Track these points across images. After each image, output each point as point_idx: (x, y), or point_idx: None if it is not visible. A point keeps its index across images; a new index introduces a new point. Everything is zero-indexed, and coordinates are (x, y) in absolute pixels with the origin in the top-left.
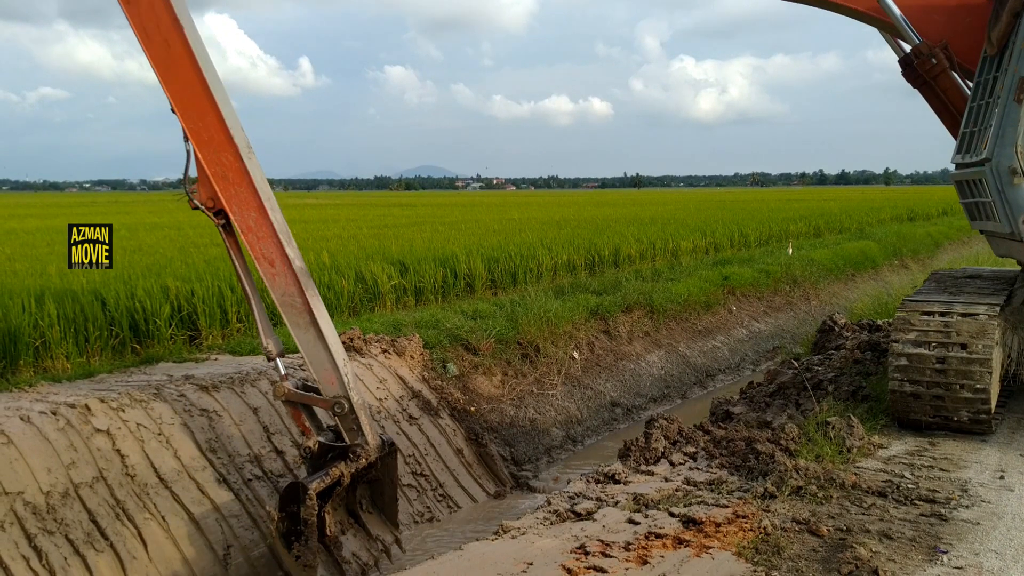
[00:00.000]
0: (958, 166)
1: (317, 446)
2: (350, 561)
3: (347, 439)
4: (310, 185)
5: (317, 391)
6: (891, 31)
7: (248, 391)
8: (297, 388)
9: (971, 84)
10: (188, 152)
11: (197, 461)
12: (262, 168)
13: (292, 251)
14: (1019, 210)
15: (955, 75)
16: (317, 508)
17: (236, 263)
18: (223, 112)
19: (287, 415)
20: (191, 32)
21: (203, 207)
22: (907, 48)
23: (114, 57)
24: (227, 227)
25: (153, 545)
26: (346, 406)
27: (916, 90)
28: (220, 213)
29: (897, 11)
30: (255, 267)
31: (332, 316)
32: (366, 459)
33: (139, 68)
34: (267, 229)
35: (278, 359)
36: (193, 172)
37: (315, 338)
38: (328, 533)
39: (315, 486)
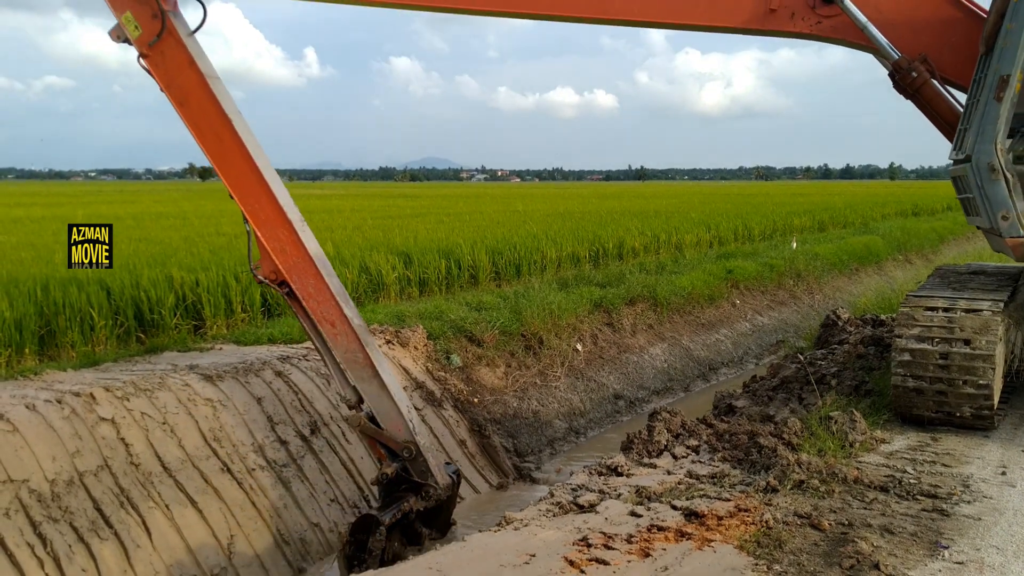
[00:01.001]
0: (954, 163)
1: (394, 474)
2: None
3: (418, 479)
4: (315, 175)
5: None
6: (870, 51)
7: (252, 381)
8: (372, 421)
9: (955, 92)
10: (248, 232)
11: (201, 450)
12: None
13: (350, 310)
14: (998, 206)
15: (937, 85)
16: (384, 541)
17: (305, 325)
18: (276, 193)
19: (291, 406)
20: (239, 124)
21: (266, 281)
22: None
23: (119, 46)
24: (291, 295)
25: (157, 534)
26: (414, 450)
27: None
28: (283, 284)
29: (875, 31)
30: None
31: None
32: (436, 499)
33: None
34: (326, 293)
35: (359, 405)
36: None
37: (379, 389)
38: (386, 558)
39: (388, 521)
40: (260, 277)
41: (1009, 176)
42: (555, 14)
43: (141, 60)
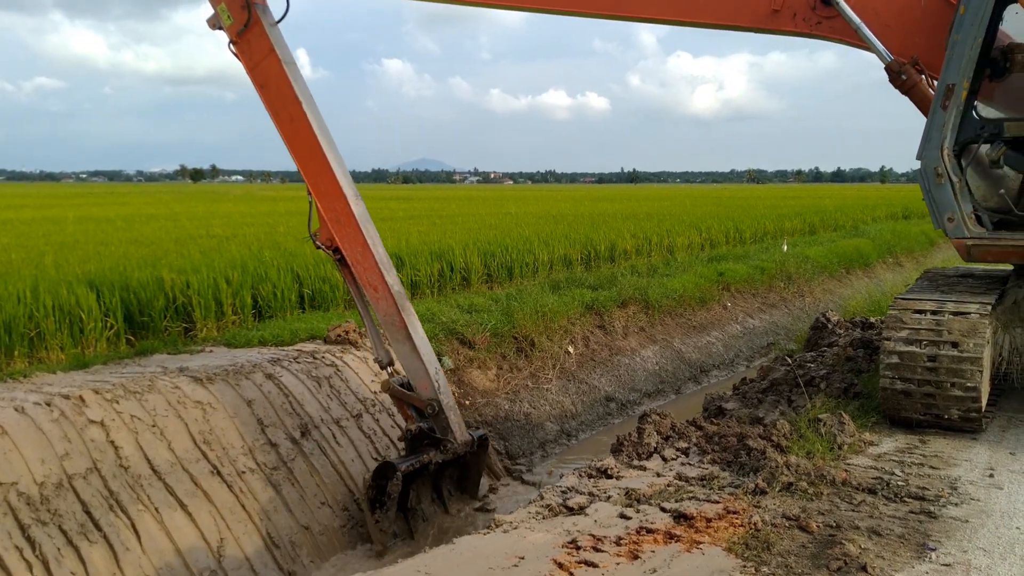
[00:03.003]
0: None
1: (418, 430)
2: (422, 529)
3: (439, 434)
4: None
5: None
6: (865, 49)
7: (242, 383)
8: (400, 385)
9: None
10: (310, 204)
11: (191, 453)
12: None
13: (391, 277)
14: (944, 208)
15: (926, 87)
16: (402, 485)
17: (352, 289)
18: (336, 171)
19: (281, 408)
20: (309, 107)
21: (323, 247)
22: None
23: (110, 47)
24: (342, 261)
25: (146, 536)
26: (437, 407)
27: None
28: (336, 251)
29: (869, 33)
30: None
31: (327, 309)
32: (453, 453)
33: (135, 59)
34: (371, 261)
35: (388, 367)
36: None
37: (411, 350)
38: (409, 506)
39: (404, 468)
40: (318, 243)
41: (955, 179)
42: (570, 10)
43: (231, 46)
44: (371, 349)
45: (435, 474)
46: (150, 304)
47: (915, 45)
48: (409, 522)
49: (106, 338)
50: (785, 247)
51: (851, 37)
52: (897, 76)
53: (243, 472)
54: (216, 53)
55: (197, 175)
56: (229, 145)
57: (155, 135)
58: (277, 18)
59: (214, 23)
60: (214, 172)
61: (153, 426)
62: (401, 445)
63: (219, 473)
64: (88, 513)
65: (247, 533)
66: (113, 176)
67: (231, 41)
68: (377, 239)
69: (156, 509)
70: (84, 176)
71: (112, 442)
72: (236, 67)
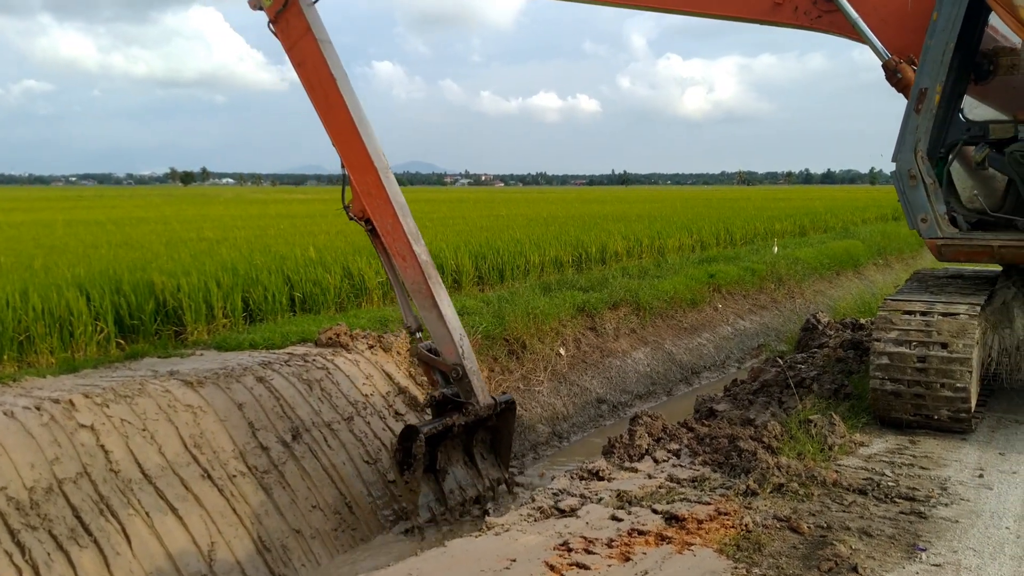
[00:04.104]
0: None
1: (441, 396)
2: (454, 491)
3: (463, 398)
4: (298, 180)
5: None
6: (863, 43)
7: (233, 387)
8: (428, 351)
9: None
10: (344, 175)
11: (181, 457)
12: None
13: (419, 248)
14: (917, 209)
15: None
16: (426, 447)
17: (383, 259)
18: (367, 145)
19: (272, 412)
20: (343, 85)
21: (356, 218)
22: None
23: (99, 50)
24: (373, 232)
25: (137, 541)
26: (460, 372)
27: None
28: (368, 222)
29: (866, 29)
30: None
31: (319, 312)
32: (475, 415)
33: (124, 61)
34: (400, 231)
35: (417, 333)
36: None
37: (437, 317)
38: (437, 467)
39: (427, 430)
40: (351, 215)
41: (928, 181)
42: None
43: (271, 26)
44: (401, 317)
45: (466, 439)
46: (140, 307)
47: (912, 42)
48: (440, 484)
49: (96, 342)
50: (776, 248)
51: (849, 32)
52: (893, 74)
53: (234, 476)
54: (206, 56)
55: (187, 178)
56: (219, 148)
57: (145, 138)
58: None
59: (255, 3)
60: (204, 175)
61: (143, 430)
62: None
63: (210, 477)
64: (78, 518)
65: (238, 537)
66: (103, 179)
67: (270, 20)
68: (407, 211)
69: (147, 513)
70: (74, 179)
71: (102, 446)
72: (226, 69)
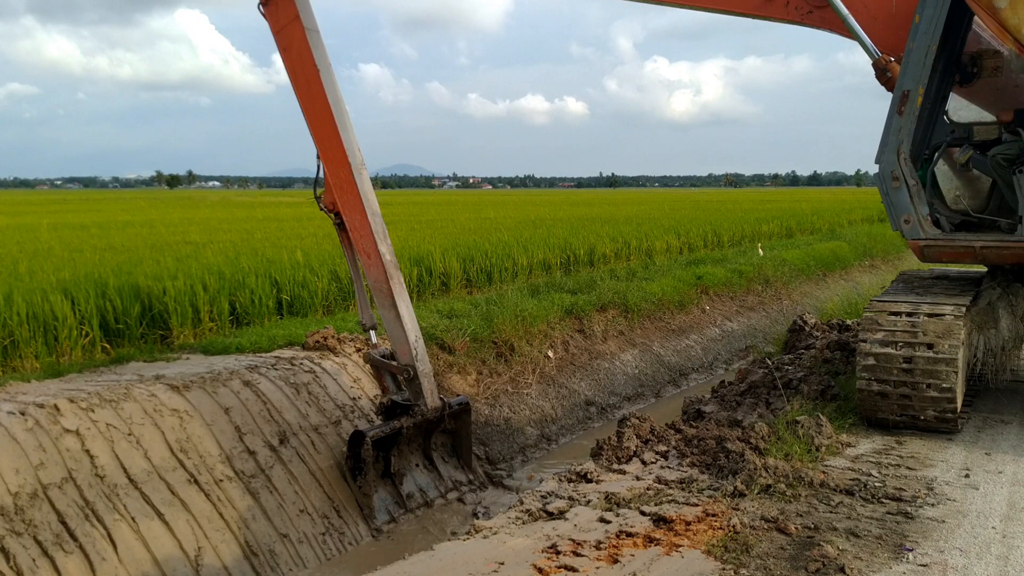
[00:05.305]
0: None
1: (389, 402)
2: (414, 494)
3: (412, 400)
4: (285, 183)
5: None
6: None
7: (220, 391)
8: (382, 356)
9: None
10: (318, 167)
11: (167, 461)
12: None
13: (385, 247)
14: (900, 210)
15: None
16: (376, 451)
17: (347, 253)
18: (344, 138)
19: (259, 416)
20: (326, 76)
21: (326, 209)
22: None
23: (83, 53)
24: (341, 226)
25: (123, 546)
26: (412, 373)
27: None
28: (338, 215)
29: (857, 27)
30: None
31: (306, 315)
32: (423, 416)
33: (109, 64)
34: (367, 229)
35: (370, 331)
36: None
37: (395, 317)
38: (393, 471)
39: (372, 434)
40: (322, 206)
41: (911, 182)
42: None
43: (260, 7)
44: (358, 311)
45: (424, 443)
46: (126, 311)
47: (902, 40)
48: (397, 487)
49: (81, 346)
50: (760, 251)
51: (840, 29)
52: (883, 73)
53: (221, 480)
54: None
55: (173, 181)
56: (206, 151)
57: (130, 141)
58: None
59: None
60: (191, 178)
61: (129, 435)
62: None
63: (196, 481)
64: (64, 523)
65: (225, 541)
66: (88, 183)
67: (260, 2)
68: (376, 209)
69: (132, 518)
70: (59, 183)
71: (88, 451)
72: (211, 72)
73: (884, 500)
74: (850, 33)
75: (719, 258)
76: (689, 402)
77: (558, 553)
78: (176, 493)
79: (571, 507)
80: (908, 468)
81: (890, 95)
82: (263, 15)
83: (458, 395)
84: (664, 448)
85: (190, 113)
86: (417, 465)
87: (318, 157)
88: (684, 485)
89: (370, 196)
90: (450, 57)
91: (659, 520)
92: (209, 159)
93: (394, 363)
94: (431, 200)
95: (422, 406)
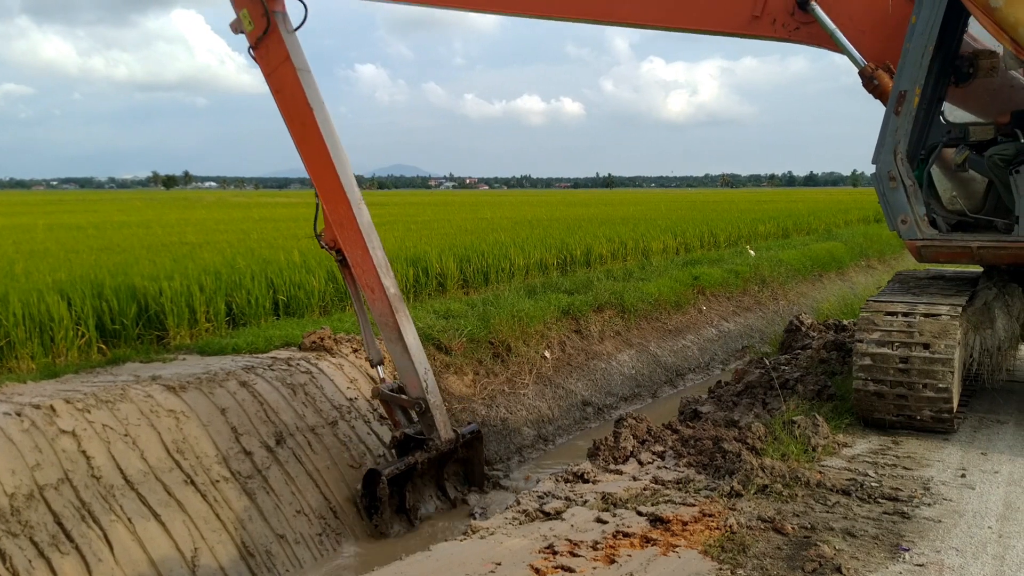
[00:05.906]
0: None
1: (402, 436)
2: (428, 529)
3: (425, 433)
4: (281, 183)
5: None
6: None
7: (216, 392)
8: (391, 391)
9: None
10: (317, 205)
11: (164, 462)
12: (367, 217)
13: (388, 281)
14: (897, 210)
15: None
16: (391, 488)
17: (351, 289)
18: (341, 176)
19: (256, 416)
20: (320, 114)
21: (327, 246)
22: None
23: (79, 53)
24: (343, 262)
25: (119, 547)
26: (424, 406)
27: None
28: (339, 252)
29: (843, 39)
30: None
31: (303, 316)
32: (437, 450)
33: (105, 65)
34: (369, 264)
35: (378, 366)
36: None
37: (402, 350)
38: (408, 506)
39: (388, 472)
40: (323, 243)
41: (908, 183)
42: (552, 15)
43: (251, 51)
44: (364, 348)
45: (437, 474)
46: (122, 312)
47: (888, 51)
48: (411, 518)
49: (77, 347)
50: (752, 252)
51: (827, 43)
52: (869, 81)
53: (217, 481)
54: (187, 58)
55: (170, 182)
56: (202, 151)
57: (127, 141)
58: (295, 25)
59: (236, 27)
60: (187, 179)
61: (125, 435)
62: (376, 453)
63: (193, 482)
64: (60, 524)
65: (221, 542)
66: (84, 183)
67: (251, 46)
68: (378, 243)
69: (129, 519)
70: (55, 183)
71: (84, 452)
72: (207, 73)
73: (880, 500)
74: (837, 46)
75: (716, 258)
76: (686, 402)
77: (555, 553)
78: (172, 494)
79: (568, 507)
80: (904, 468)
81: None
82: (254, 59)
83: (469, 423)
84: (661, 448)
85: (186, 114)
86: (431, 496)
87: (316, 196)
88: (681, 485)
89: (370, 230)
90: (446, 57)
91: (656, 520)
92: (205, 160)
93: (404, 397)
94: (427, 200)
95: (435, 439)
